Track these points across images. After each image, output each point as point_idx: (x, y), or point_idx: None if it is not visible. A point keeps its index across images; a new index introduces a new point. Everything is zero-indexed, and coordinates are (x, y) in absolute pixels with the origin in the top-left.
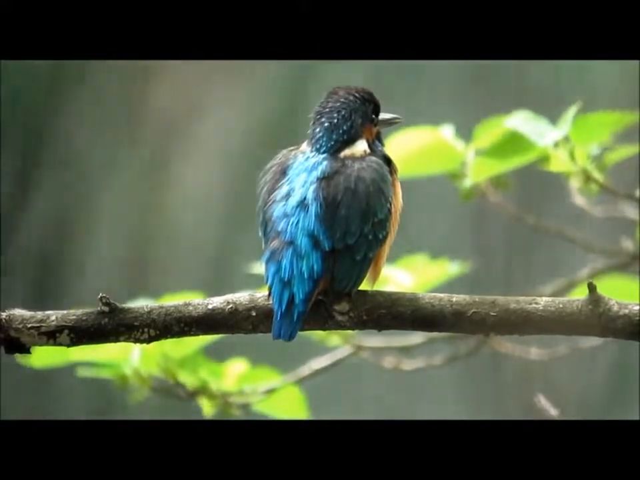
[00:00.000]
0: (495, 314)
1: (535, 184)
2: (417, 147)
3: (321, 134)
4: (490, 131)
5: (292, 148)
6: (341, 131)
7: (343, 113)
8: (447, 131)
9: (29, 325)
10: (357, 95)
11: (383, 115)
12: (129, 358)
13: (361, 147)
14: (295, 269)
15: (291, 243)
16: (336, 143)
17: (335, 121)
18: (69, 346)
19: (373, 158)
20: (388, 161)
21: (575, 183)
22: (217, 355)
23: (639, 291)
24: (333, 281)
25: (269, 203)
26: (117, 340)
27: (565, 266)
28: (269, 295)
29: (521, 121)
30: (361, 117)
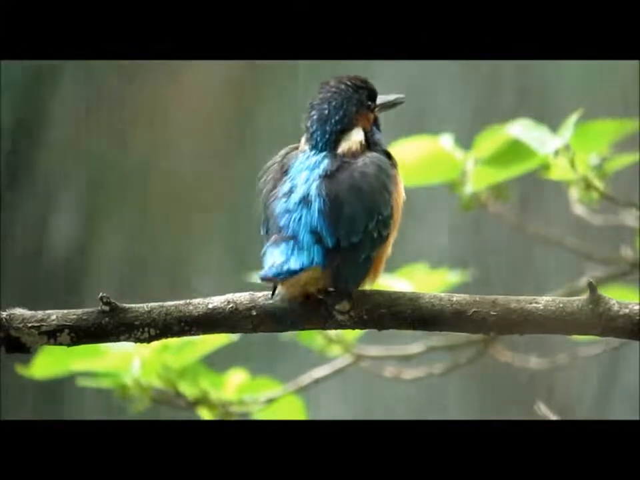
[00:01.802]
0: (495, 313)
1: (534, 192)
2: (416, 157)
3: (314, 128)
4: (489, 140)
5: (292, 146)
6: (333, 121)
7: (334, 103)
8: (446, 140)
9: (30, 325)
10: (348, 82)
11: (382, 98)
12: (129, 368)
13: (356, 137)
14: (296, 252)
15: (293, 237)
16: (331, 135)
17: (326, 111)
18: (69, 345)
19: (375, 154)
20: (388, 155)
21: (574, 192)
22: (217, 365)
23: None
24: (335, 280)
25: (271, 200)
26: (117, 339)
27: (564, 275)
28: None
29: (521, 129)
30: (355, 105)
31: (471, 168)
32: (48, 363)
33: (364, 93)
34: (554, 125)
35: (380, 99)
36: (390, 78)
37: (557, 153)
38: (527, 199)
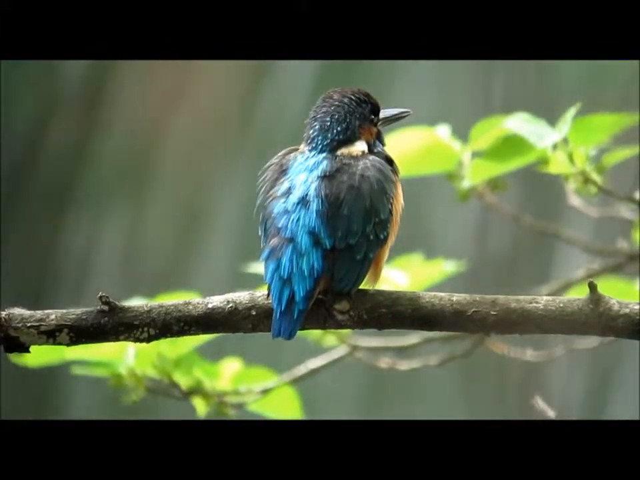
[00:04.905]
0: (495, 313)
1: (531, 185)
2: (413, 147)
3: (315, 134)
4: (487, 132)
5: (291, 148)
6: (335, 132)
7: (337, 116)
8: (442, 131)
9: (29, 324)
10: (352, 97)
11: (386, 112)
12: (124, 357)
13: (359, 147)
14: (295, 267)
15: (291, 240)
16: (332, 142)
17: (328, 124)
18: (68, 345)
19: (376, 157)
20: (390, 162)
21: (571, 185)
22: (212, 354)
23: (639, 290)
24: (333, 281)
25: (269, 199)
26: (116, 339)
27: (561, 267)
28: (268, 293)
29: (519, 123)
30: (358, 119)
31: (468, 159)
32: (42, 351)
33: (367, 107)
34: (553, 120)
35: (383, 113)
36: (385, 71)
37: (555, 146)
38: (523, 190)
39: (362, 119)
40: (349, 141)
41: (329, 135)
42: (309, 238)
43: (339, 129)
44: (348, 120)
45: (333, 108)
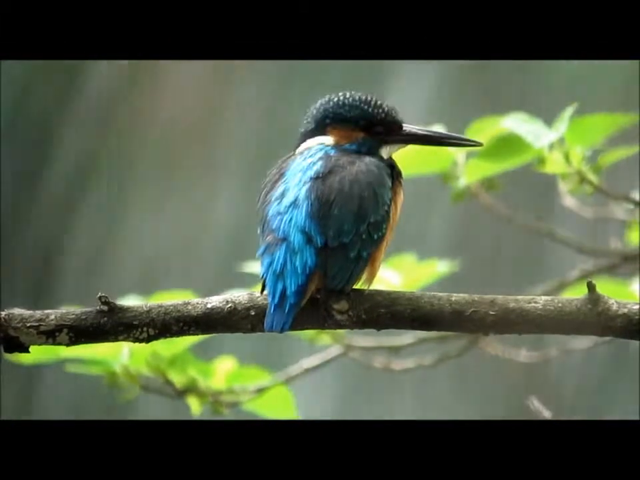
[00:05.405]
0: (494, 313)
1: (525, 185)
2: (407, 147)
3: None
4: (482, 132)
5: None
6: (302, 125)
7: (310, 110)
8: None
9: (28, 324)
10: (334, 98)
11: (411, 127)
12: (118, 356)
13: (318, 141)
14: (289, 263)
15: (285, 239)
16: (300, 138)
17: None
18: (68, 345)
19: (373, 160)
20: (391, 166)
21: (564, 185)
22: (206, 353)
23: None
24: (327, 278)
25: (266, 203)
26: (116, 339)
27: (553, 266)
28: (263, 288)
29: (516, 123)
30: (329, 118)
31: (462, 160)
32: (37, 349)
33: (353, 111)
34: (548, 120)
35: (408, 127)
36: (381, 71)
37: (551, 146)
38: (516, 189)
39: (336, 119)
40: (310, 134)
41: (301, 130)
42: (301, 236)
43: (304, 122)
44: (315, 116)
45: (313, 105)
